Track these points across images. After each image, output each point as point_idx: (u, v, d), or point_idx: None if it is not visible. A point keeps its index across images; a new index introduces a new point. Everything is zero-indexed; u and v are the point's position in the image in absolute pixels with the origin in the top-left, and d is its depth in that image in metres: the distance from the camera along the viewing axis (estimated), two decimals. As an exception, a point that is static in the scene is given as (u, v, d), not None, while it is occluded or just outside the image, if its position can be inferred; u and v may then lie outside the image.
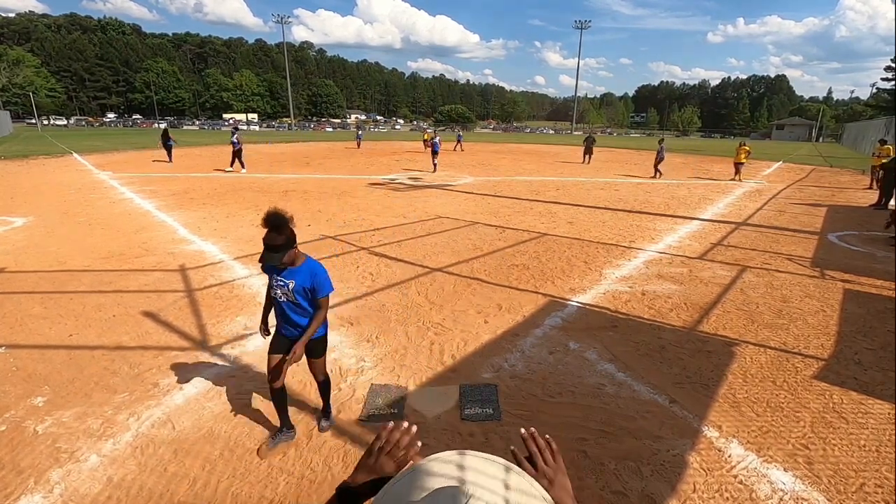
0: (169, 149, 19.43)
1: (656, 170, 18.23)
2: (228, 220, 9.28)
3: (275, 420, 3.14)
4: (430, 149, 19.74)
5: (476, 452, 0.56)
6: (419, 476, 0.52)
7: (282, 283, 2.69)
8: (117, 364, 3.80)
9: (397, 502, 0.51)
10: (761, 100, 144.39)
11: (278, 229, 2.51)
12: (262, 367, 3.79)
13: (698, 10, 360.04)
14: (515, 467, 0.55)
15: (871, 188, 15.80)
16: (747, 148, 17.77)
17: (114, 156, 23.87)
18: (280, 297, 2.74)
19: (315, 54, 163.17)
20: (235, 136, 17.33)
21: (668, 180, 17.63)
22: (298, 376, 3.65)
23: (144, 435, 2.97)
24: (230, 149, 17.83)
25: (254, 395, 3.42)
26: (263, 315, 2.98)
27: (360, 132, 36.61)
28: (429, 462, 0.55)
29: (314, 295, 2.71)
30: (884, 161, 15.24)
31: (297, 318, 2.78)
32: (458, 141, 34.59)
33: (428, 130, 37.26)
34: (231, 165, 17.44)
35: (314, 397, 3.39)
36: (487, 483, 0.50)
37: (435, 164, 19.32)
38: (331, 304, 5.04)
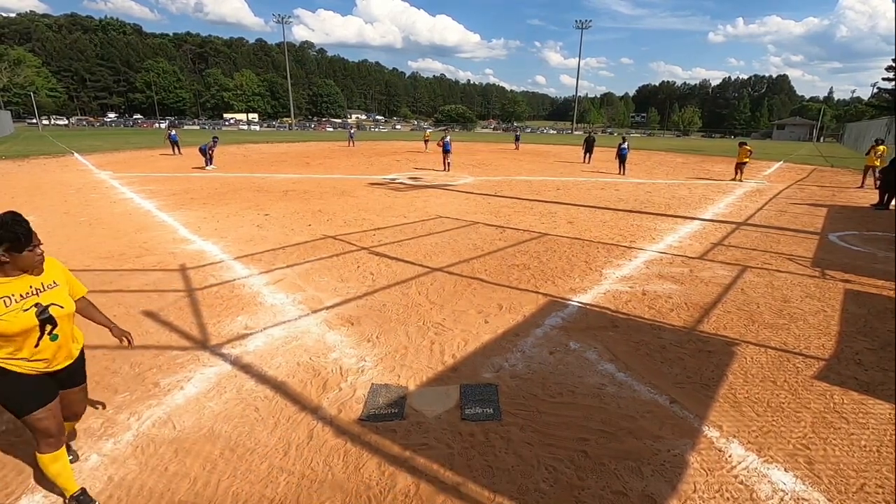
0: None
1: (622, 166, 19.44)
2: (229, 219, 9.29)
3: (276, 419, 3.14)
4: (440, 148, 19.80)
5: None
6: None
7: None
8: (118, 363, 3.80)
9: None
10: (762, 100, 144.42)
11: None
12: (263, 367, 3.80)
13: (698, 10, 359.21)
14: None
15: (861, 187, 15.88)
16: (749, 148, 17.78)
17: (114, 156, 23.90)
18: None
19: (315, 54, 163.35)
20: (216, 144, 19.75)
21: (668, 180, 17.62)
22: (299, 376, 3.66)
23: (145, 434, 2.97)
24: (220, 150, 19.34)
25: (255, 394, 3.42)
26: None
27: (351, 131, 37.99)
28: None
29: None
30: (877, 161, 15.35)
31: None
32: (517, 139, 35.78)
33: (428, 130, 37.55)
34: (210, 163, 18.94)
35: (315, 396, 3.40)
36: None
37: (448, 164, 19.41)
38: (332, 303, 5.12)
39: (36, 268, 2.18)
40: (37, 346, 2.17)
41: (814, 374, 3.81)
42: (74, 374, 2.44)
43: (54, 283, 2.26)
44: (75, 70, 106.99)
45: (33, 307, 2.13)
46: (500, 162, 24.50)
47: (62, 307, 2.24)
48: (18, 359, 2.15)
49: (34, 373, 2.21)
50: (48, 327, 2.18)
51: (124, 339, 2.63)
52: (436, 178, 16.92)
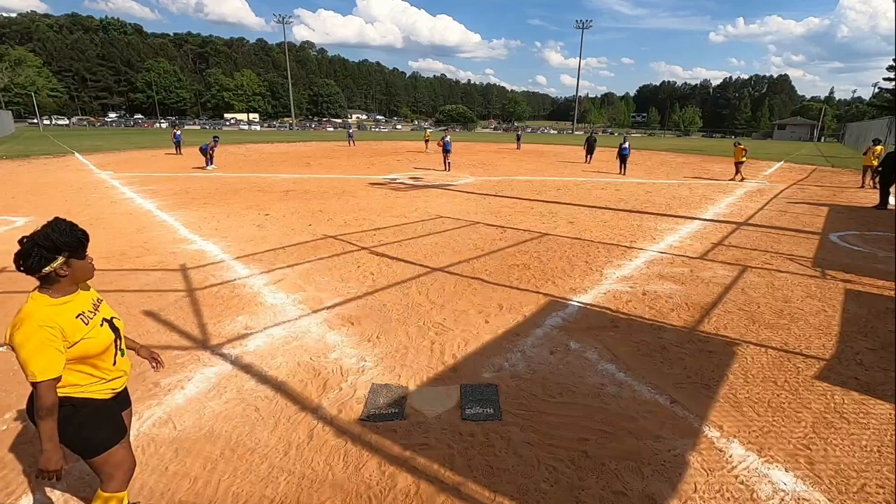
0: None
1: (622, 166, 19.68)
2: (229, 219, 9.29)
3: (277, 419, 3.14)
4: (440, 148, 19.89)
5: None
6: None
7: None
8: (118, 363, 3.80)
9: None
10: (763, 99, 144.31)
11: None
12: (263, 367, 3.80)
13: (698, 10, 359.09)
14: None
15: (862, 187, 15.93)
16: (743, 147, 17.89)
17: (115, 156, 23.93)
18: None
19: (316, 54, 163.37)
20: (217, 144, 19.67)
21: (669, 180, 17.62)
22: (299, 376, 3.66)
23: (145, 434, 2.97)
24: (220, 150, 19.63)
25: (255, 394, 3.42)
26: None
27: (350, 130, 38.81)
28: None
29: None
30: (874, 161, 15.38)
31: None
32: (518, 139, 36.09)
33: (428, 130, 37.69)
34: (211, 163, 18.98)
35: (315, 396, 3.40)
36: None
37: (449, 164, 19.50)
38: (332, 303, 5.12)
39: (88, 279, 1.98)
40: (114, 363, 2.02)
41: (814, 375, 3.80)
42: (126, 393, 2.24)
43: (100, 297, 2.10)
44: (76, 70, 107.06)
45: (103, 321, 1.98)
46: (501, 162, 24.49)
47: (120, 319, 2.11)
48: (98, 379, 1.96)
49: (112, 395, 2.03)
50: (118, 342, 2.05)
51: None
52: (436, 178, 16.92)
